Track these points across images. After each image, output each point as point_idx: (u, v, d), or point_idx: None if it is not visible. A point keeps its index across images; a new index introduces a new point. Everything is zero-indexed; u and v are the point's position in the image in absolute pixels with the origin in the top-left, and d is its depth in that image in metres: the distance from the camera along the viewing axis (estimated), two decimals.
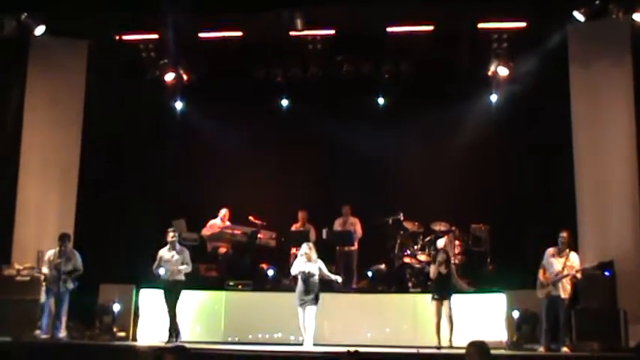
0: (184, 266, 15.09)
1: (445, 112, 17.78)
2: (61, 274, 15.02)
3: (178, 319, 15.06)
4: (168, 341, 14.60)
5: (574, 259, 13.91)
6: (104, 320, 15.67)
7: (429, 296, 14.74)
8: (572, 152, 16.00)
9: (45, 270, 15.19)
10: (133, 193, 17.82)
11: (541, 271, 13.98)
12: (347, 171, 18.57)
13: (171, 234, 15.21)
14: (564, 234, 14.01)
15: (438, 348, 14.23)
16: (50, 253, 15.24)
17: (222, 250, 17.54)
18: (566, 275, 13.75)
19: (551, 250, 14.08)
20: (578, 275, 13.88)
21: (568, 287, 13.82)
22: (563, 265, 13.82)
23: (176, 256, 15.06)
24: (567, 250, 13.97)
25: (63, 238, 15.26)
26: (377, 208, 17.77)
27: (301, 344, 14.39)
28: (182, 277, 15.12)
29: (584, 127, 15.99)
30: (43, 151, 17.05)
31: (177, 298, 15.07)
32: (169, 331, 14.93)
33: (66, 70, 17.35)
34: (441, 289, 14.52)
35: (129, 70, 17.71)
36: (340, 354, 11.05)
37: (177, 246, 15.23)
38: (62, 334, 15.19)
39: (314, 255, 14.71)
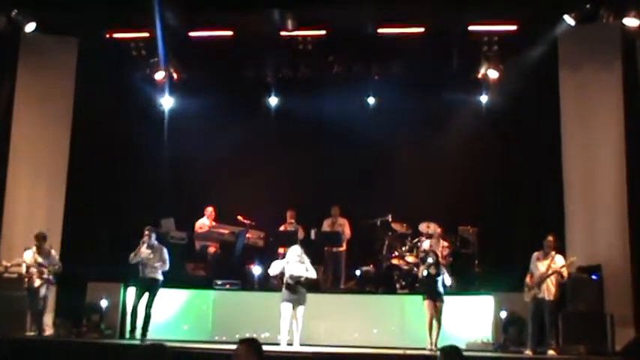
0: (159, 265, 15.00)
1: (435, 115, 17.90)
2: (41, 271, 15.05)
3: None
4: (142, 339, 14.56)
5: (559, 261, 13.91)
6: (92, 318, 15.71)
7: (418, 297, 14.70)
8: (561, 155, 16.05)
9: (24, 269, 15.15)
10: (121, 190, 17.79)
11: (528, 276, 14.01)
12: (336, 171, 18.53)
13: (145, 232, 15.09)
14: (550, 237, 14.03)
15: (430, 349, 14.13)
16: (28, 253, 15.22)
17: (211, 249, 17.54)
18: (551, 274, 13.77)
19: (536, 254, 14.12)
20: (564, 273, 13.89)
21: (553, 289, 13.82)
22: (547, 267, 13.86)
23: (151, 255, 14.98)
24: (553, 253, 14.00)
25: (40, 237, 15.26)
26: (366, 209, 17.77)
27: (291, 344, 14.33)
28: (159, 276, 15.04)
29: (573, 131, 16.04)
30: (33, 148, 17.05)
31: (155, 296, 14.98)
32: (143, 328, 14.78)
33: (56, 67, 17.35)
34: (432, 290, 14.47)
35: (119, 68, 17.69)
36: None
37: (155, 244, 15.13)
38: (47, 331, 15.21)
39: (305, 258, 14.67)
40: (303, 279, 14.46)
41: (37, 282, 15.05)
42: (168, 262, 15.14)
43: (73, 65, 17.41)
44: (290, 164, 18.69)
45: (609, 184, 15.44)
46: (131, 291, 15.75)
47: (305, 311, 14.46)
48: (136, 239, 15.48)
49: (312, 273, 14.66)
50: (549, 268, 13.83)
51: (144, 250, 14.98)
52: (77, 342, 14.84)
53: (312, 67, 17.93)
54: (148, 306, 14.89)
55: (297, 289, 14.42)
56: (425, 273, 14.57)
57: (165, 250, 15.25)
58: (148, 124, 18.46)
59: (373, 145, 18.39)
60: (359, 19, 16.41)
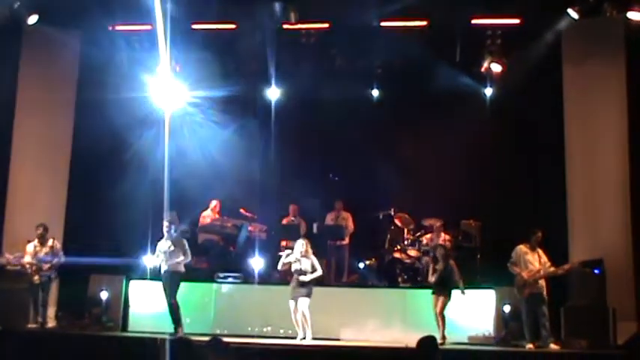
0: (181, 257, 14.67)
1: (437, 108, 17.85)
2: (40, 267, 15.08)
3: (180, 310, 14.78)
4: (175, 333, 14.30)
5: (544, 256, 14.05)
6: (94, 311, 15.71)
7: (420, 291, 14.74)
8: (564, 149, 16.04)
9: (27, 260, 15.16)
10: (123, 182, 17.74)
11: (525, 272, 13.96)
12: (339, 165, 18.54)
13: (165, 224, 14.90)
14: (540, 233, 14.10)
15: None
16: (30, 246, 15.23)
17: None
18: (553, 273, 13.89)
19: (523, 248, 14.12)
20: (561, 271, 14.01)
21: (544, 283, 13.92)
22: (540, 263, 13.94)
23: (172, 247, 14.68)
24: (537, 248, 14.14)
25: (41, 229, 15.25)
26: (369, 203, 17.77)
27: (294, 338, 14.34)
28: (181, 269, 14.71)
29: (576, 125, 16.03)
30: (35, 140, 17.10)
31: (177, 288, 14.67)
32: (174, 322, 14.52)
33: (59, 59, 17.40)
34: (439, 285, 14.46)
35: (121, 60, 17.65)
36: None
37: (173, 236, 14.87)
38: (50, 323, 15.23)
39: (310, 250, 14.60)
40: (307, 272, 14.39)
41: (36, 278, 15.04)
42: (189, 253, 14.82)
43: (76, 57, 17.44)
44: (292, 158, 18.69)
45: (612, 179, 15.44)
46: (135, 284, 15.77)
47: (309, 304, 14.37)
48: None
49: (318, 271, 14.57)
50: (540, 263, 13.94)
51: (162, 244, 14.77)
52: (79, 334, 14.85)
53: (314, 61, 17.90)
54: (173, 298, 14.59)
55: (302, 282, 14.39)
56: (434, 273, 14.54)
57: (185, 242, 14.92)
58: (150, 116, 18.40)
59: (376, 139, 18.36)
60: (362, 12, 16.39)
